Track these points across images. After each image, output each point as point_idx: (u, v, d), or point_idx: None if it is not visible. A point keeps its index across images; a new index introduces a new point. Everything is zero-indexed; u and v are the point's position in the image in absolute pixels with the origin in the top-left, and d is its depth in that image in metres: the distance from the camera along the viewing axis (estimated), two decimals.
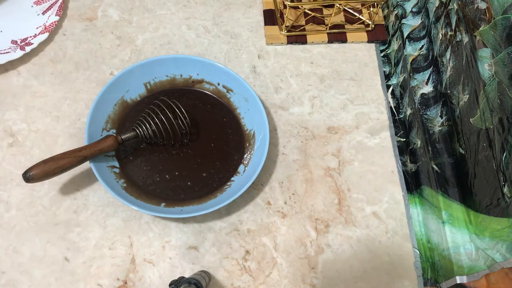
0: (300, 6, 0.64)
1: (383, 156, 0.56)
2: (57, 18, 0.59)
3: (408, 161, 0.56)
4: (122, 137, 0.50)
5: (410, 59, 0.57)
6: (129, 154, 0.53)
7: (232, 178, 0.52)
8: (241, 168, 0.53)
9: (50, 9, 0.60)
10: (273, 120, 0.57)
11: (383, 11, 0.66)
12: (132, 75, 0.54)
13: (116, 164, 0.52)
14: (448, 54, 0.51)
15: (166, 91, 0.56)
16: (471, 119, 0.45)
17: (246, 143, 0.54)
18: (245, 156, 0.53)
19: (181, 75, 0.56)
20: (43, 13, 0.60)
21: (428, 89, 0.55)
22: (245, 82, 0.54)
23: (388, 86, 0.61)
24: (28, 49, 0.57)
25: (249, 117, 0.55)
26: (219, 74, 0.55)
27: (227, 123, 0.56)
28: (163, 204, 0.50)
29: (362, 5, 0.65)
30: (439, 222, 0.49)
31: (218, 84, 0.56)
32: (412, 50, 0.58)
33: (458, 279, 0.46)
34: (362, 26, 0.64)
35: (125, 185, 0.50)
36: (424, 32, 0.57)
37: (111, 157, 0.52)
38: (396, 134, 0.58)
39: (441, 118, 0.52)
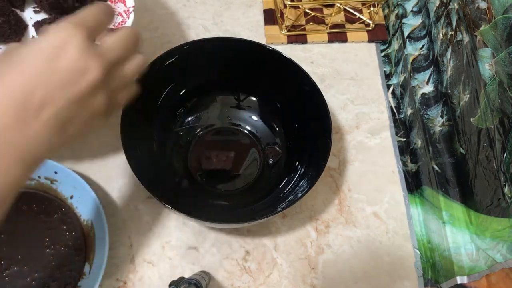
0: (300, 6, 0.64)
1: (384, 156, 0.56)
2: None
3: (409, 161, 0.56)
4: None
5: (411, 59, 0.57)
6: None
7: (78, 284, 0.46)
8: (86, 268, 0.46)
9: None
10: None
11: (383, 10, 0.66)
12: None
13: None
14: (448, 53, 0.51)
15: None
16: (471, 119, 0.45)
17: (86, 237, 0.48)
18: (88, 253, 0.47)
19: None
20: None
21: (428, 89, 0.55)
22: (66, 168, 0.47)
23: (388, 86, 0.61)
24: None
25: (82, 206, 0.48)
26: None
27: (59, 219, 0.48)
28: None
29: (363, 4, 0.65)
30: (439, 222, 0.49)
31: (39, 178, 0.48)
32: (413, 50, 0.57)
33: (459, 280, 0.46)
34: (363, 25, 0.64)
35: None
36: (424, 32, 0.57)
37: None
38: (396, 134, 0.58)
39: (442, 118, 0.52)
